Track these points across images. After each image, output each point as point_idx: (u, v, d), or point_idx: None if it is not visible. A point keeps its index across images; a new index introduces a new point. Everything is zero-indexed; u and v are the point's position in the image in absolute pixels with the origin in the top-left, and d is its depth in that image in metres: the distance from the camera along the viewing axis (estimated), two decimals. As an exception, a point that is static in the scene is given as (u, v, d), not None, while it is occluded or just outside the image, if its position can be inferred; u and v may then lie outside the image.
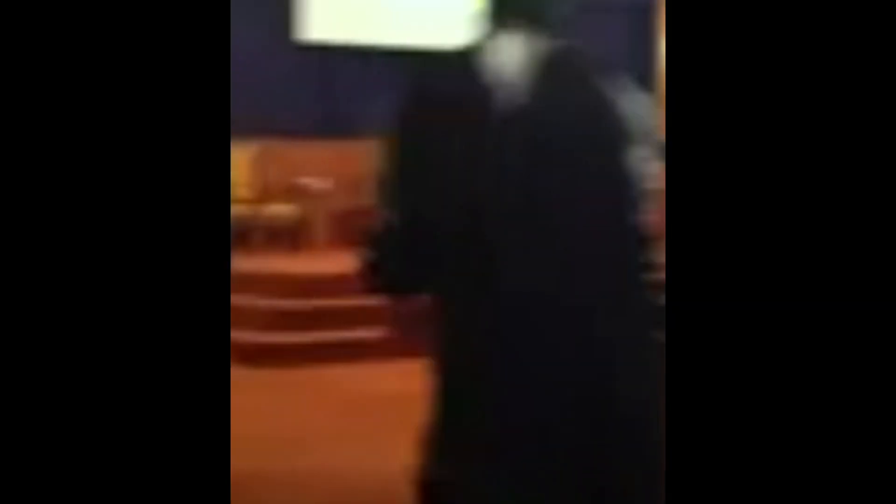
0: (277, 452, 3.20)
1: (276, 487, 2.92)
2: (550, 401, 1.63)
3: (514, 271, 1.62)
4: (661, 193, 1.48)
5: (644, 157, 1.65)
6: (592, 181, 1.63)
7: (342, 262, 3.33)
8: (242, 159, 5.98)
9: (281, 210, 6.13)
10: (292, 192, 6.21)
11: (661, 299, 1.61)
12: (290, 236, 6.20)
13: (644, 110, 1.68)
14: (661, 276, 1.65)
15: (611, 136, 1.63)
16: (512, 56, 1.65)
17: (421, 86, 1.77)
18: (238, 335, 4.21)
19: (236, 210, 5.28)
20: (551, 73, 1.64)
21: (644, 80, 7.83)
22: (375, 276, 1.80)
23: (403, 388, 3.30)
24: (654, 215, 1.69)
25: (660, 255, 1.56)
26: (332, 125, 6.58)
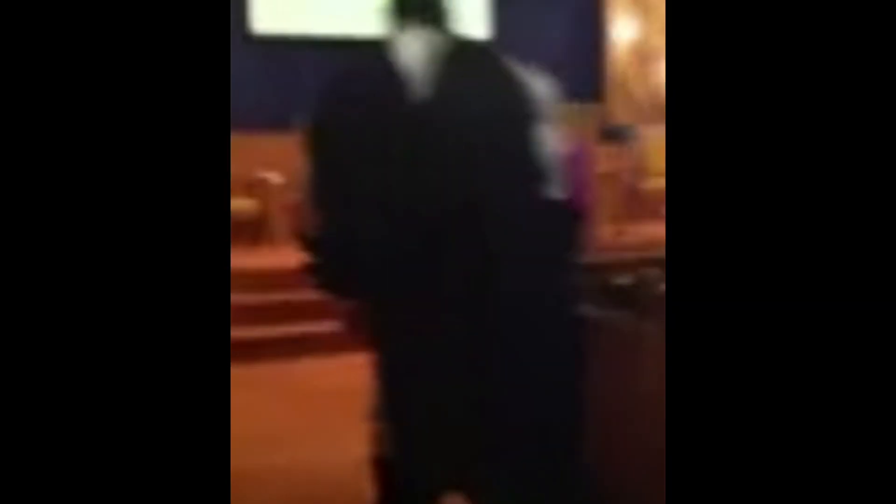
0: (247, 450, 3.20)
1: (247, 485, 2.92)
2: (485, 385, 1.68)
3: (442, 263, 1.65)
4: (660, 194, 1.52)
5: (551, 135, 1.71)
6: (507, 164, 1.67)
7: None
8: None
9: (241, 205, 6.10)
10: (251, 187, 6.18)
11: (580, 274, 1.68)
12: (250, 231, 6.16)
13: (545, 90, 1.73)
14: (581, 250, 1.72)
15: (518, 117, 1.68)
16: (416, 52, 1.69)
17: (335, 84, 1.80)
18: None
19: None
20: (454, 65, 1.69)
21: (591, 64, 7.92)
22: (314, 276, 1.83)
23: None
24: (571, 190, 1.76)
25: (663, 257, 1.59)
26: (287, 118, 6.54)
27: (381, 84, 1.70)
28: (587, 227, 5.75)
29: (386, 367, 1.77)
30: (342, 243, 1.74)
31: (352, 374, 4.09)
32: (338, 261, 1.77)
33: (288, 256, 5.18)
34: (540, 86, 1.73)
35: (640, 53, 8.11)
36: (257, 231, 6.23)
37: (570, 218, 1.76)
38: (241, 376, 4.24)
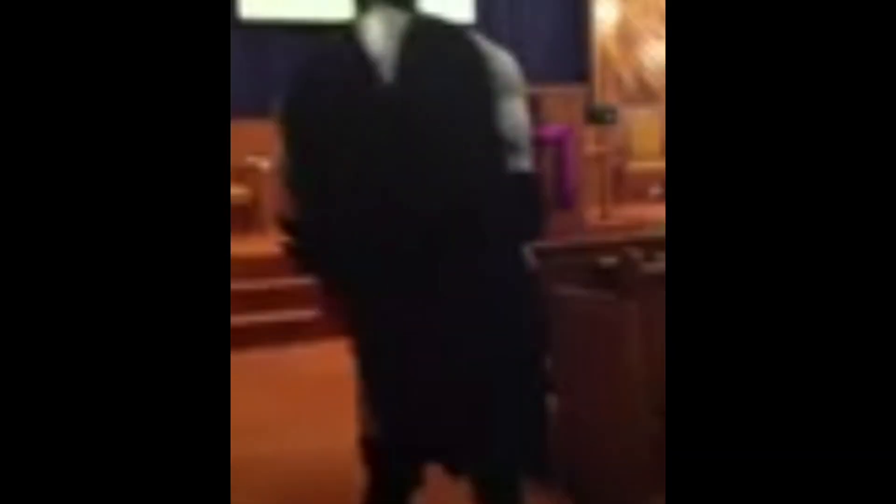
0: (237, 438, 3.20)
1: (234, 475, 2.92)
2: (456, 360, 1.74)
3: (415, 243, 1.70)
4: (660, 195, 1.56)
5: (518, 108, 1.76)
6: (473, 138, 1.72)
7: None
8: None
9: (232, 192, 6.11)
10: (242, 173, 6.19)
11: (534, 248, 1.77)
12: (241, 218, 6.18)
13: (510, 64, 1.77)
14: (548, 222, 1.78)
15: (482, 91, 1.72)
16: (380, 33, 1.74)
17: (304, 68, 1.85)
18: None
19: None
20: (418, 43, 1.73)
21: (577, 46, 7.93)
22: (294, 259, 1.88)
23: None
24: (536, 164, 1.79)
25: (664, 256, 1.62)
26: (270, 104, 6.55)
27: (347, 67, 1.75)
28: (574, 208, 5.83)
29: (362, 347, 1.83)
30: (318, 226, 1.80)
31: (341, 361, 4.11)
32: (314, 243, 1.83)
33: (279, 243, 5.23)
34: (505, 59, 1.77)
35: (624, 35, 8.15)
36: (248, 218, 6.24)
37: (537, 190, 1.81)
38: (236, 362, 4.25)
